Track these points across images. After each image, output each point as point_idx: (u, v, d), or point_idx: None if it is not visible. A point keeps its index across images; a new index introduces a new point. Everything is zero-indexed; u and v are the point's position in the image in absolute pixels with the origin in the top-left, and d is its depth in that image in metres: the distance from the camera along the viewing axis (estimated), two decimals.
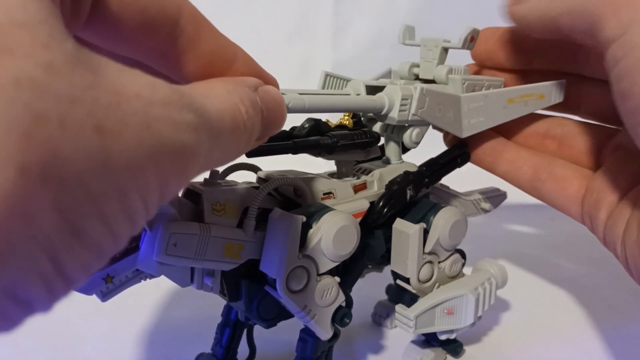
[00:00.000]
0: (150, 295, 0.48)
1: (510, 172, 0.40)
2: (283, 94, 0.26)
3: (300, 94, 0.29)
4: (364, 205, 0.34)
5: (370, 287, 0.45)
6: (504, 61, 0.40)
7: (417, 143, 0.37)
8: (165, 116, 0.15)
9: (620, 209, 0.33)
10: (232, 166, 0.33)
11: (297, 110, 0.28)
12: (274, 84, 0.26)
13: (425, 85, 0.34)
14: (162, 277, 0.29)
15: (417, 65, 0.38)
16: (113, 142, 0.13)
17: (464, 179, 0.45)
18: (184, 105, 0.16)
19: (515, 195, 0.45)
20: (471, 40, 0.36)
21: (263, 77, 0.25)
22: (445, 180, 0.41)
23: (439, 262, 0.37)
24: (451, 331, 0.38)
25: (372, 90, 0.35)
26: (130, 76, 0.15)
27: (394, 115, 0.33)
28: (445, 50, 0.37)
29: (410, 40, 0.39)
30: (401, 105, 0.33)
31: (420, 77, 0.38)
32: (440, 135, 0.41)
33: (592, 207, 0.36)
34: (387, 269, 0.42)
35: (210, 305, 0.42)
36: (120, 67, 0.15)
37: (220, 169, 0.31)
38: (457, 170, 0.40)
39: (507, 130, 0.41)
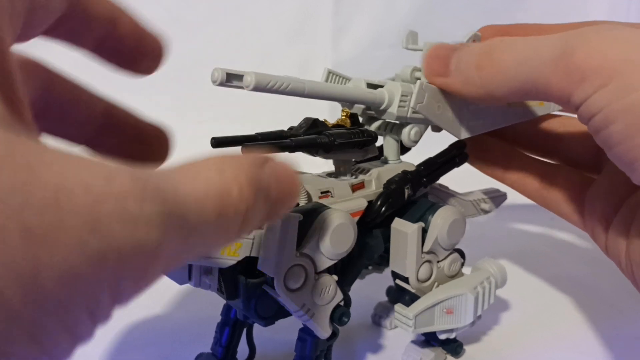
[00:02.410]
0: (149, 295, 0.48)
1: (518, 181, 0.41)
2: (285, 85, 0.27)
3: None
4: (362, 204, 0.34)
5: (370, 289, 0.45)
6: None
7: (416, 142, 0.37)
8: (119, 211, 0.13)
9: (619, 219, 0.33)
10: None
11: (296, 93, 0.29)
12: (160, 45, 0.27)
13: (426, 81, 0.34)
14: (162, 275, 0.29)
15: (420, 69, 0.38)
16: (46, 250, 0.12)
17: (463, 179, 0.45)
18: (147, 196, 0.14)
19: (515, 196, 0.45)
20: None
21: (146, 37, 0.26)
22: (445, 180, 0.41)
23: (438, 262, 0.37)
24: (451, 330, 0.37)
25: (373, 88, 0.35)
26: (81, 167, 0.13)
27: (393, 110, 0.33)
28: None
29: (412, 45, 0.39)
30: (401, 101, 0.33)
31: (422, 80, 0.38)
32: (439, 135, 0.41)
33: (591, 217, 0.35)
34: (387, 271, 0.42)
35: (209, 305, 0.42)
36: (70, 158, 0.13)
37: None
38: (457, 170, 0.40)
39: (515, 133, 0.41)
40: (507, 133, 0.41)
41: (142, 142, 0.29)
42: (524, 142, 0.42)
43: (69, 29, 0.24)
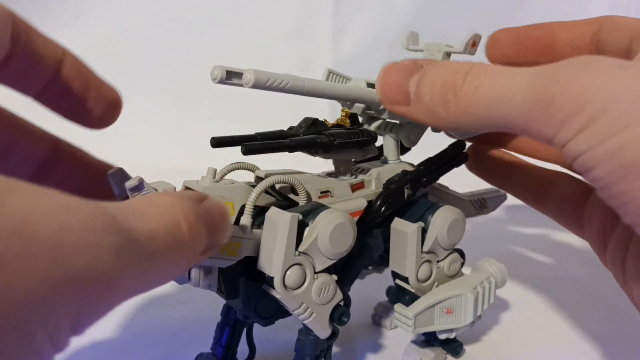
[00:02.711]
0: (149, 295, 0.48)
1: (518, 189, 0.41)
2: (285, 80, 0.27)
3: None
4: (362, 204, 0.34)
5: (371, 288, 0.45)
6: (523, 63, 0.37)
7: (415, 142, 0.37)
8: (81, 242, 0.14)
9: (617, 237, 0.32)
10: (230, 165, 0.33)
11: (295, 91, 0.28)
12: (114, 92, 0.27)
13: None
14: None
15: None
16: (13, 276, 0.12)
17: (463, 179, 0.45)
18: (106, 228, 0.15)
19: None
20: (472, 45, 0.36)
21: (94, 82, 0.26)
22: (445, 180, 0.41)
23: (438, 262, 0.37)
24: (451, 330, 0.37)
25: (373, 87, 0.35)
26: (44, 199, 0.14)
27: None
28: (448, 54, 0.37)
29: (413, 46, 0.39)
30: None
31: None
32: (439, 135, 0.41)
33: (590, 230, 0.35)
34: (387, 271, 0.42)
35: (209, 305, 0.42)
36: (33, 190, 0.14)
37: (219, 167, 0.32)
38: (457, 170, 0.40)
39: (515, 138, 0.41)
40: (507, 138, 0.42)
41: (91, 179, 0.29)
42: (523, 147, 0.42)
43: (12, 71, 0.24)
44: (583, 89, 0.22)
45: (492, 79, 0.26)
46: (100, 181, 0.29)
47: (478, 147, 0.42)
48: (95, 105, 0.27)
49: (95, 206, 0.15)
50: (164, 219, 0.18)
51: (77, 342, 0.42)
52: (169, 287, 0.49)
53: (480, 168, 0.43)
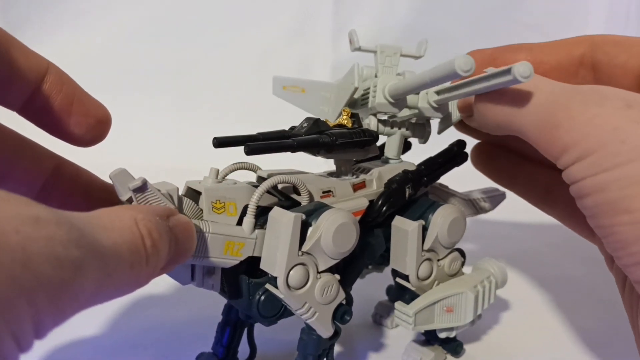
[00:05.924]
0: (150, 295, 0.48)
1: (525, 191, 0.41)
2: None
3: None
4: (363, 203, 0.34)
5: (371, 288, 0.45)
6: None
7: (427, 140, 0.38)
8: (46, 252, 0.15)
9: None
10: (232, 165, 0.33)
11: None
12: (100, 109, 0.27)
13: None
14: (163, 275, 0.29)
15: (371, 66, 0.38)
16: None
17: (463, 178, 0.45)
18: (71, 240, 0.16)
19: (515, 195, 0.45)
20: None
21: (78, 98, 0.26)
22: (445, 179, 0.41)
23: (438, 260, 0.37)
24: (451, 329, 0.38)
25: None
26: (11, 208, 0.15)
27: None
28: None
29: (366, 46, 0.39)
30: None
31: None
32: (439, 135, 0.41)
33: (597, 236, 0.36)
34: (387, 270, 0.42)
35: (210, 305, 0.42)
36: (4, 198, 0.15)
37: (221, 167, 0.32)
38: (457, 169, 0.40)
39: (521, 143, 0.41)
40: (513, 143, 0.42)
41: (93, 199, 0.30)
42: (529, 152, 0.42)
43: None
44: (586, 122, 0.25)
45: (509, 96, 0.28)
46: (103, 201, 0.29)
47: (484, 145, 0.42)
48: (80, 121, 0.27)
49: (64, 218, 0.16)
50: (128, 234, 0.19)
51: (78, 342, 0.42)
52: (170, 287, 0.49)
53: (486, 166, 0.43)
